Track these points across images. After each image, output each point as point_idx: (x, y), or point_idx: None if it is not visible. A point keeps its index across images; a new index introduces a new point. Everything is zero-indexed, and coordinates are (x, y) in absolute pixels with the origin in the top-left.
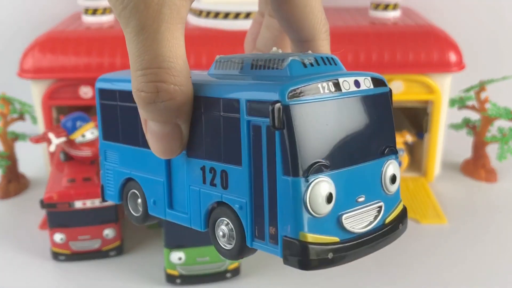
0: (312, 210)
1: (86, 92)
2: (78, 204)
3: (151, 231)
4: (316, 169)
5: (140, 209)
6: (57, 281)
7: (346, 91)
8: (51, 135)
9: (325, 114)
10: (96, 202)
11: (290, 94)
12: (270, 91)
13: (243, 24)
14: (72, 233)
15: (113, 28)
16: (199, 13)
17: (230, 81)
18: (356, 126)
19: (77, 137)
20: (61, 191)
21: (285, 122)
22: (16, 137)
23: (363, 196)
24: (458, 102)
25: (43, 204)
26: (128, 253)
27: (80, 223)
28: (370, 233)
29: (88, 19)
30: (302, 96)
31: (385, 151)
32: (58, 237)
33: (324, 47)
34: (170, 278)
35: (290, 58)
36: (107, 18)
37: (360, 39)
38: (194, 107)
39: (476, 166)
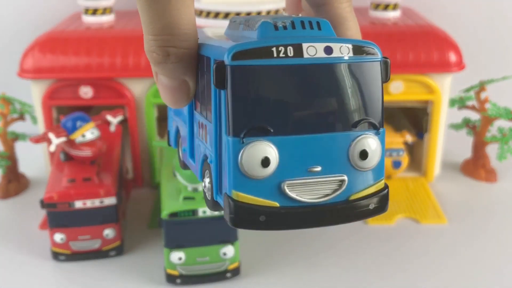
0: (246, 172)
1: (86, 92)
2: (78, 204)
3: (151, 232)
4: (255, 132)
5: (180, 155)
6: (57, 281)
7: (309, 57)
8: (51, 135)
9: (275, 79)
10: (96, 202)
11: (235, 55)
12: (223, 52)
13: None
14: (72, 233)
15: (113, 28)
16: (199, 13)
17: (218, 41)
18: (317, 95)
19: (77, 137)
20: (61, 191)
21: (226, 82)
22: (16, 137)
23: (319, 167)
24: (458, 102)
25: (43, 204)
26: (128, 253)
27: (80, 223)
28: (323, 206)
29: (88, 19)
30: (250, 58)
31: (358, 125)
32: (58, 237)
33: (342, 10)
34: (170, 278)
35: (262, 20)
36: (107, 18)
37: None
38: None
39: (476, 166)
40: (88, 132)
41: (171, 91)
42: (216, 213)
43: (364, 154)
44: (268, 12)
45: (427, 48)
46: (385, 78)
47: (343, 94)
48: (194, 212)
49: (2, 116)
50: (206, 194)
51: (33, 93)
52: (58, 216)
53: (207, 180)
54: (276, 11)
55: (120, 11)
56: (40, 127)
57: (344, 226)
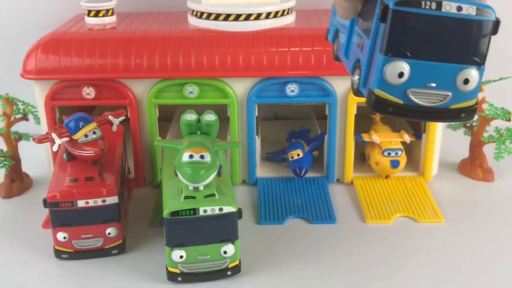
0: (387, 78)
1: (88, 92)
2: (81, 203)
3: (153, 230)
4: (398, 54)
5: (335, 49)
6: (60, 279)
7: (446, 11)
8: (54, 135)
9: (420, 22)
10: (99, 201)
11: (397, 2)
12: None
13: (243, 26)
14: (75, 232)
15: (115, 29)
16: (200, 14)
17: None
18: (446, 37)
19: (79, 137)
20: (64, 191)
21: (387, 19)
22: (20, 137)
23: (434, 84)
24: None
25: (46, 203)
26: (130, 251)
27: (82, 222)
28: (431, 108)
29: (91, 20)
30: (406, 6)
31: (467, 61)
32: (61, 235)
33: None
34: (172, 276)
35: None
36: (110, 20)
37: None
38: None
39: (473, 166)
40: (91, 132)
41: (346, 9)
42: (217, 212)
43: (466, 81)
44: (269, 14)
45: None
46: (494, 33)
47: (462, 39)
48: (195, 211)
49: (5, 116)
50: (353, 84)
51: (36, 94)
52: (61, 215)
53: (356, 76)
54: (276, 13)
55: (121, 13)
56: (43, 127)
57: (343, 225)
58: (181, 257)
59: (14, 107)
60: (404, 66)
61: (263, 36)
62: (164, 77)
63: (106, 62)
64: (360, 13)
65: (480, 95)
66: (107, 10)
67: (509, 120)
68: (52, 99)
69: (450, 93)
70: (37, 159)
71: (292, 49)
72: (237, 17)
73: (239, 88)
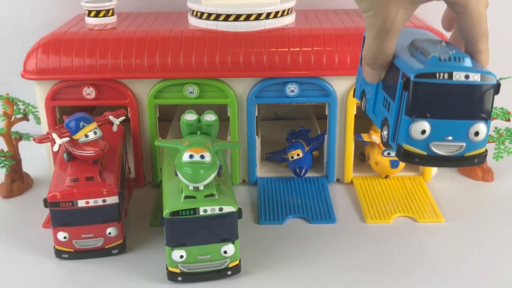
0: (412, 135)
1: (89, 93)
2: (81, 203)
3: (153, 230)
4: (419, 115)
5: (362, 106)
6: (61, 278)
7: (456, 80)
8: (54, 135)
9: (436, 90)
10: (99, 201)
11: (417, 75)
12: (409, 72)
13: (244, 26)
14: (75, 231)
15: (115, 29)
16: (200, 14)
17: (403, 57)
18: (458, 99)
19: (80, 137)
20: (64, 191)
21: (409, 88)
22: (20, 137)
23: (451, 136)
24: None
25: (47, 203)
26: (130, 251)
27: (83, 221)
28: (449, 157)
29: (91, 21)
30: (424, 78)
31: (476, 117)
32: (62, 235)
33: (481, 47)
34: (172, 276)
35: (432, 54)
36: (110, 20)
37: (359, 40)
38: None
39: (473, 166)
40: (91, 132)
41: (372, 75)
42: (217, 212)
43: (477, 133)
44: (269, 14)
45: None
46: (496, 93)
47: (471, 100)
48: (195, 211)
49: (6, 116)
50: (383, 138)
51: (37, 94)
52: (61, 215)
53: (385, 132)
54: (276, 13)
55: (122, 13)
56: (43, 127)
57: (343, 225)
58: (181, 256)
59: (15, 107)
60: (425, 125)
61: (263, 36)
62: (164, 77)
63: (107, 62)
64: (384, 78)
65: None
66: (108, 10)
67: (508, 120)
68: (52, 99)
69: (464, 144)
70: (37, 159)
71: (292, 49)
72: (237, 17)
73: (239, 88)
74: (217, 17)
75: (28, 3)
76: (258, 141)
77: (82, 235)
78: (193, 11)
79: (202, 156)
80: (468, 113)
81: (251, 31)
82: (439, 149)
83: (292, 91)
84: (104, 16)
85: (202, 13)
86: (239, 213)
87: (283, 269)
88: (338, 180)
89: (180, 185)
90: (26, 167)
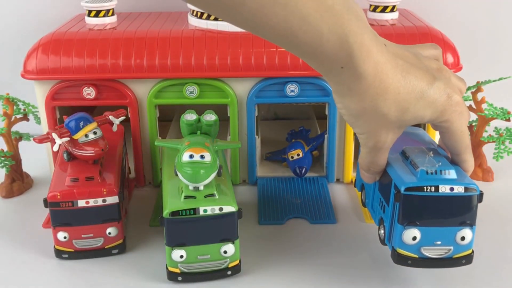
0: (404, 241)
1: (89, 93)
2: (81, 203)
3: (153, 230)
4: (410, 223)
5: (362, 199)
6: (60, 278)
7: (442, 192)
8: (54, 135)
9: (424, 201)
10: (99, 201)
11: (406, 188)
12: (400, 184)
13: None
14: (75, 231)
15: (115, 29)
16: (200, 14)
17: (395, 166)
18: (444, 209)
19: (80, 137)
20: (64, 190)
21: (400, 200)
22: (20, 137)
23: (440, 241)
24: None
25: (47, 203)
26: (131, 251)
27: (83, 221)
28: (440, 259)
29: (91, 20)
30: (413, 191)
31: (462, 224)
32: (62, 235)
33: (466, 160)
34: (172, 276)
35: (421, 168)
36: (110, 20)
37: None
38: None
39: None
40: (91, 132)
41: (368, 178)
42: (217, 212)
43: (463, 238)
44: None
45: None
46: (479, 201)
47: (456, 209)
48: (195, 211)
49: (6, 116)
50: (380, 236)
51: (37, 94)
52: (61, 215)
53: (381, 231)
54: None
55: (122, 13)
56: (43, 127)
57: (343, 225)
58: (181, 256)
59: (15, 107)
60: (416, 232)
61: None
62: (164, 77)
63: (107, 62)
64: (380, 180)
65: (479, 95)
66: (108, 10)
67: (508, 120)
68: (52, 99)
69: (452, 247)
70: (37, 159)
71: None
72: None
73: (239, 88)
74: (217, 17)
75: (28, 3)
76: (258, 141)
77: (82, 235)
78: (193, 11)
79: (202, 156)
80: (454, 221)
81: None
82: (429, 252)
83: (292, 91)
84: (104, 16)
85: (202, 13)
86: (239, 213)
87: (283, 269)
88: (338, 180)
89: (180, 185)
90: (26, 167)
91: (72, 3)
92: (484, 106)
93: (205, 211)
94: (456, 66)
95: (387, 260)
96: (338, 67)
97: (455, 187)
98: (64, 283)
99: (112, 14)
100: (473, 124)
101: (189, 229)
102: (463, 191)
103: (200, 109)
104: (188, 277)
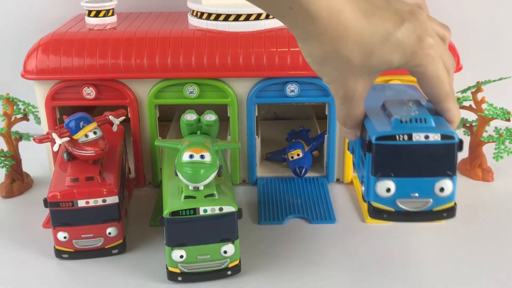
0: (378, 193)
1: (89, 93)
2: (81, 203)
3: (153, 230)
4: (384, 175)
5: (354, 160)
6: (60, 278)
7: (416, 140)
8: (54, 135)
9: (397, 150)
10: (99, 201)
11: (377, 137)
12: (371, 134)
13: (243, 26)
14: (75, 231)
15: (115, 29)
16: (200, 15)
17: (373, 118)
18: (420, 158)
19: (80, 137)
20: (64, 190)
21: (371, 150)
22: (20, 137)
23: (417, 193)
24: None
25: (47, 203)
26: (130, 251)
27: (83, 221)
28: (418, 212)
29: (91, 21)
30: (384, 140)
31: (440, 174)
32: (62, 235)
33: (448, 109)
34: (172, 276)
35: (395, 117)
36: (110, 20)
37: None
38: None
39: (473, 166)
40: (91, 132)
41: (348, 133)
42: (217, 212)
43: (442, 189)
44: (269, 14)
45: None
46: (460, 150)
47: (434, 158)
48: (195, 210)
49: (6, 116)
50: (363, 194)
51: (37, 94)
52: (61, 215)
53: (363, 187)
54: None
55: (122, 13)
56: (43, 127)
57: (343, 225)
58: (181, 256)
59: (15, 107)
60: (390, 183)
61: (263, 36)
62: (164, 77)
63: (107, 62)
64: (361, 136)
65: (479, 95)
66: (108, 10)
67: (508, 120)
68: (52, 99)
69: (431, 199)
70: (37, 159)
71: (292, 49)
72: (237, 17)
73: (239, 88)
74: (217, 17)
75: (28, 3)
76: (258, 141)
77: (82, 235)
78: (193, 11)
79: (202, 156)
80: (431, 171)
81: (251, 31)
82: (406, 205)
83: (292, 91)
84: (104, 16)
85: (202, 13)
86: (239, 213)
87: (283, 269)
88: (338, 180)
89: (180, 185)
90: (26, 167)
91: (72, 3)
92: (484, 106)
93: (205, 211)
94: (456, 66)
95: (387, 259)
96: (287, 7)
97: (431, 134)
98: (64, 283)
99: (112, 14)
100: (473, 124)
101: (189, 229)
102: (439, 139)
103: (200, 109)
104: (188, 277)
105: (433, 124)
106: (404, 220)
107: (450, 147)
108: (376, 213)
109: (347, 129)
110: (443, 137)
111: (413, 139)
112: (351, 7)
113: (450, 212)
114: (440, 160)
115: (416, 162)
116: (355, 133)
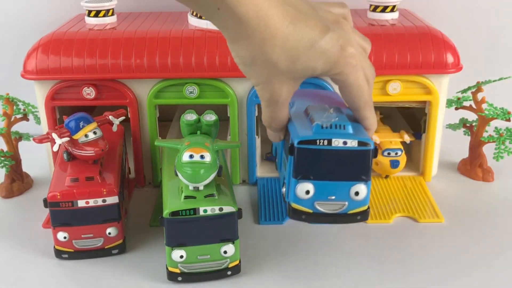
0: (298, 195)
1: (89, 93)
2: (81, 203)
3: (153, 230)
4: (304, 177)
5: (276, 163)
6: (60, 278)
7: (335, 146)
8: (54, 135)
9: (317, 154)
10: (99, 201)
11: (299, 141)
12: (294, 138)
13: None
14: (75, 231)
15: (115, 29)
16: (200, 15)
17: (296, 122)
18: (338, 163)
19: (80, 137)
20: (64, 190)
21: (294, 153)
22: (20, 137)
23: (334, 196)
24: (455, 103)
25: (47, 203)
26: (130, 251)
27: (83, 222)
28: (333, 214)
29: (91, 20)
30: (306, 144)
31: (356, 178)
32: (62, 235)
33: (366, 117)
34: (172, 276)
35: (316, 122)
36: (110, 20)
37: None
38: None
39: (473, 166)
40: (91, 132)
41: (272, 136)
42: (217, 212)
43: (357, 193)
44: None
45: (425, 49)
46: (374, 156)
47: (350, 164)
48: (195, 211)
49: (6, 116)
50: (284, 195)
51: (37, 94)
52: (61, 215)
53: (284, 189)
54: None
55: (122, 13)
56: (43, 127)
57: (343, 225)
58: (181, 256)
59: (15, 107)
60: (309, 186)
61: None
62: (164, 77)
63: (107, 62)
64: (284, 139)
65: (479, 95)
66: (108, 10)
67: (508, 120)
68: (52, 99)
69: (346, 203)
70: (37, 159)
71: None
72: None
73: (239, 88)
74: None
75: (28, 3)
76: (258, 141)
77: (82, 235)
78: (193, 11)
79: (202, 156)
80: (347, 175)
81: None
82: (323, 207)
83: None
84: (104, 16)
85: None
86: (239, 213)
87: (283, 269)
88: None
89: (180, 185)
90: (26, 167)
91: (72, 3)
92: (484, 106)
93: (205, 211)
94: (456, 66)
95: (387, 259)
96: (215, 8)
97: (349, 141)
98: (64, 283)
99: (112, 14)
100: (473, 124)
101: (189, 229)
102: (356, 145)
103: (200, 109)
104: (188, 277)
105: (351, 131)
106: (321, 222)
107: (365, 153)
108: (295, 214)
109: (271, 131)
110: (360, 143)
111: (332, 144)
112: (279, 12)
113: (363, 215)
114: (356, 165)
115: (334, 167)
116: (279, 136)
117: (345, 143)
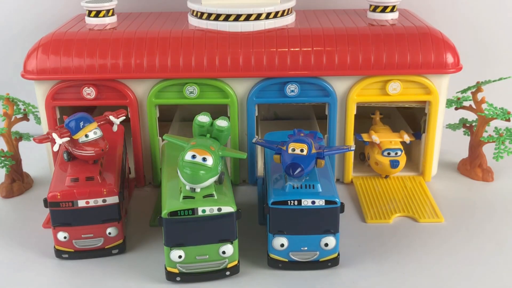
0: (274, 247)
1: (89, 93)
2: (81, 203)
3: (153, 230)
4: (280, 232)
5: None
6: (61, 278)
7: (305, 205)
8: (54, 135)
9: (289, 213)
10: (99, 201)
11: (273, 202)
12: (269, 198)
13: (243, 26)
14: (75, 231)
15: (116, 29)
16: (200, 15)
17: (273, 179)
18: (308, 219)
19: (80, 137)
20: (64, 190)
21: (268, 212)
22: (20, 137)
23: (306, 247)
24: (455, 103)
25: (47, 203)
26: (130, 251)
27: (83, 221)
28: (307, 262)
29: (92, 21)
30: (279, 204)
31: (325, 232)
32: (62, 235)
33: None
34: (170, 276)
35: (288, 183)
36: (110, 20)
37: (358, 40)
38: None
39: (472, 166)
40: (91, 132)
41: None
42: (215, 212)
43: (326, 244)
44: (269, 14)
45: (425, 50)
46: (342, 211)
47: (319, 219)
48: (193, 211)
49: (6, 116)
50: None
51: (37, 94)
52: (62, 215)
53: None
54: (276, 13)
55: (122, 13)
56: (43, 127)
57: (343, 224)
58: (180, 257)
59: (15, 107)
60: (284, 240)
61: (263, 36)
62: (165, 77)
63: (107, 62)
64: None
65: (479, 95)
66: (108, 11)
67: (508, 120)
68: (52, 99)
69: (318, 252)
70: (37, 159)
71: (292, 49)
72: (237, 18)
73: (239, 88)
74: (217, 17)
75: (28, 3)
76: None
77: (82, 235)
78: (193, 11)
79: (204, 159)
80: (317, 230)
81: (251, 31)
82: (297, 257)
83: (292, 91)
84: (104, 16)
85: (202, 13)
86: (238, 214)
87: (283, 270)
88: (338, 180)
89: (180, 185)
90: (26, 167)
91: (72, 3)
92: (484, 106)
93: (203, 211)
94: (456, 66)
95: (387, 259)
96: None
97: (317, 200)
98: (64, 283)
99: (112, 14)
100: (473, 124)
101: (187, 229)
102: (323, 204)
103: (200, 109)
104: (187, 277)
105: (320, 190)
106: (295, 269)
107: (333, 210)
108: (272, 263)
109: None
110: (327, 202)
111: (302, 204)
112: None
113: (334, 262)
114: (324, 220)
115: (305, 223)
116: None
117: (313, 202)
